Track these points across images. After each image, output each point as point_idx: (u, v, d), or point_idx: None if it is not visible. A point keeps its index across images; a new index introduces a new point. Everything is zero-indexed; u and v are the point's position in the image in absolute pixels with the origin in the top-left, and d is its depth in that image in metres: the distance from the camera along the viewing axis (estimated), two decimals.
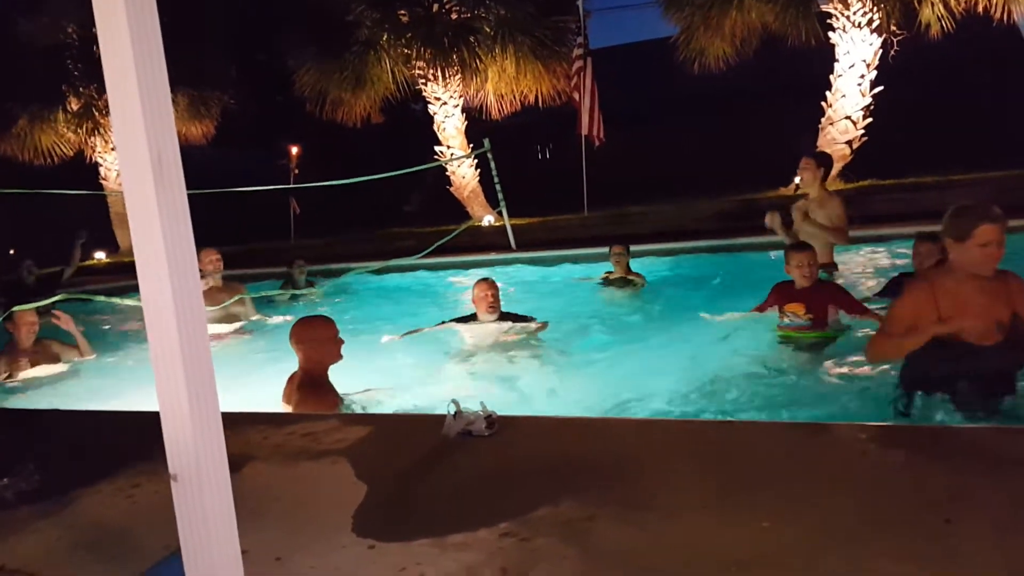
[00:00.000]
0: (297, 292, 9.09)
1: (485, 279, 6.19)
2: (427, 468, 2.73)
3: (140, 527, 2.47)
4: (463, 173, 14.39)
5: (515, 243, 10.60)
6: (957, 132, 10.97)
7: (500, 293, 6.09)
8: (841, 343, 4.85)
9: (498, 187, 10.96)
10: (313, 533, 2.31)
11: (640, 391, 4.53)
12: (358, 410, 3.96)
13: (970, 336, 3.06)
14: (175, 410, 1.78)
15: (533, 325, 6.15)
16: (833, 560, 1.88)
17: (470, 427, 2.92)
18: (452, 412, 2.98)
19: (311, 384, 3.86)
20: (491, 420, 2.94)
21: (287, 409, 3.89)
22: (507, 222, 10.85)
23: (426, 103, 14.66)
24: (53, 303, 6.62)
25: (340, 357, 3.98)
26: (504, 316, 6.10)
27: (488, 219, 13.09)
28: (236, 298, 7.27)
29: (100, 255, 14.32)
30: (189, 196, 1.75)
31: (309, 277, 10.24)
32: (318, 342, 3.93)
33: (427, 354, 5.95)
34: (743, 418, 3.86)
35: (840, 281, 6.49)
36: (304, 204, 15.78)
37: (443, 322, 6.24)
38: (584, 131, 13.00)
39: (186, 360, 1.76)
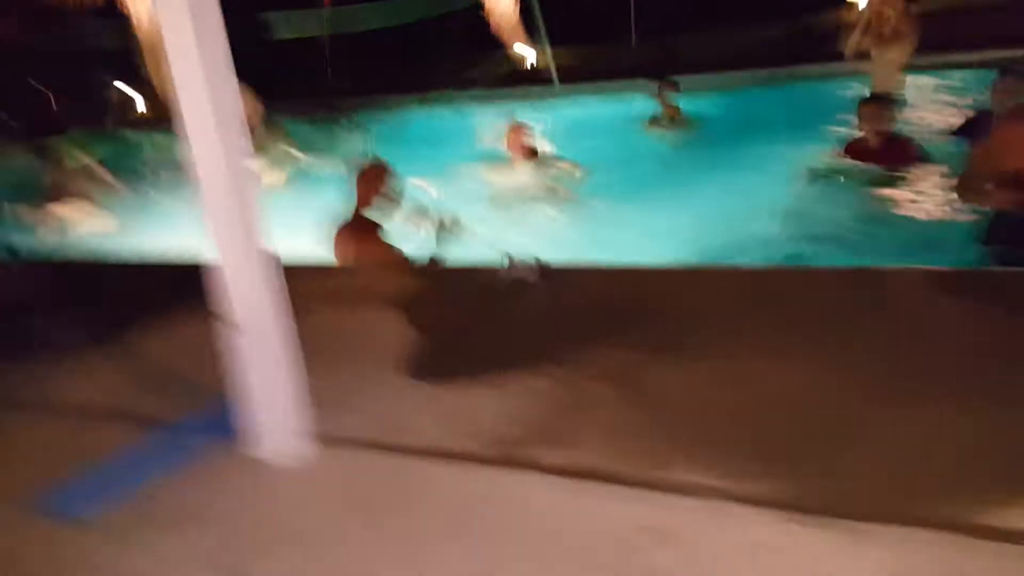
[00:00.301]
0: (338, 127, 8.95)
1: (518, 123, 6.03)
2: (482, 317, 2.80)
3: (193, 370, 2.58)
4: (503, 5, 13.68)
5: (558, 79, 10.22)
6: None
7: (539, 133, 5.95)
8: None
9: (538, 14, 10.44)
10: (372, 377, 2.42)
11: (697, 239, 4.49)
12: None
13: None
14: (233, 260, 1.83)
15: (569, 167, 6.02)
16: (885, 402, 1.91)
17: (523, 276, 2.96)
18: (506, 264, 3.01)
19: (362, 228, 3.86)
20: (543, 269, 2.96)
21: (338, 256, 3.93)
22: (549, 58, 10.41)
23: None
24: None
25: (382, 196, 3.93)
26: (542, 159, 5.97)
27: (529, 54, 12.56)
28: (277, 142, 7.23)
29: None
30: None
31: (352, 118, 10.07)
32: (366, 183, 3.91)
33: (463, 199, 5.91)
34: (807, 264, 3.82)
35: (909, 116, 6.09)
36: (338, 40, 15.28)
37: (479, 163, 6.13)
38: None
39: (239, 208, 1.78)
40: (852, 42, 6.28)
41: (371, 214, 3.93)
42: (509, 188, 5.92)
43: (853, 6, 10.28)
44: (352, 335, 2.78)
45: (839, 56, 8.30)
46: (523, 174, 5.89)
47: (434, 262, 3.64)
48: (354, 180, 3.95)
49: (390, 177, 3.95)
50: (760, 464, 1.73)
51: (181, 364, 2.67)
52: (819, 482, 1.66)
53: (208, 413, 2.20)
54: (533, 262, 2.96)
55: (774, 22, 10.08)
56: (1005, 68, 4.71)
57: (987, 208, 3.16)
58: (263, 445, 1.99)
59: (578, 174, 5.95)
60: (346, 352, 2.62)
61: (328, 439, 2.06)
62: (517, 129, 5.94)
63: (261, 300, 1.87)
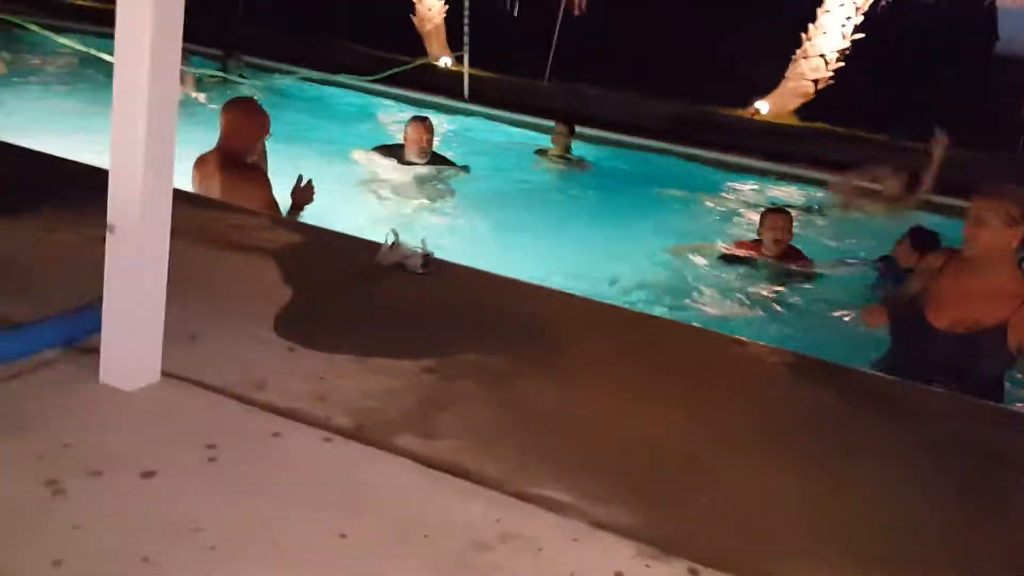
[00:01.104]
0: (228, 78, 8.58)
1: (423, 119, 5.95)
2: (356, 290, 2.69)
3: (51, 271, 2.35)
4: (430, 4, 13.63)
5: (468, 93, 10.24)
6: (922, 98, 11.09)
7: (433, 137, 5.90)
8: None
9: (466, 29, 10.45)
10: (232, 322, 2.26)
11: (568, 269, 4.58)
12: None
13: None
14: (128, 160, 1.65)
15: (458, 170, 6.02)
16: (733, 456, 1.97)
17: (406, 260, 2.86)
18: (390, 242, 2.91)
19: (233, 164, 3.66)
20: (428, 258, 2.88)
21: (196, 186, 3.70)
22: (466, 69, 10.43)
23: None
24: None
25: (257, 141, 3.79)
26: (434, 158, 5.92)
27: (446, 61, 12.54)
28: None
29: None
30: None
31: (244, 71, 9.69)
32: (251, 122, 3.75)
33: (349, 181, 5.78)
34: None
35: None
36: None
37: (370, 149, 5.99)
38: None
39: (151, 111, 1.62)
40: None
41: (240, 145, 3.73)
42: (397, 179, 5.82)
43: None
44: (219, 275, 2.59)
45: (735, 150, 8.91)
46: (414, 168, 5.81)
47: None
48: (226, 113, 3.76)
49: (264, 121, 3.79)
50: (620, 493, 1.73)
51: (52, 266, 2.40)
52: (672, 521, 1.68)
53: (65, 319, 1.96)
54: (419, 248, 2.88)
55: (681, 101, 10.63)
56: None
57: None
58: (117, 364, 1.79)
59: (457, 173, 5.94)
60: (211, 292, 2.43)
61: (179, 376, 1.89)
62: (418, 124, 5.85)
63: (146, 202, 1.69)
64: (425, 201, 5.75)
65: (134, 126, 1.62)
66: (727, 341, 2.93)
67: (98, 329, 1.78)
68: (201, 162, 3.75)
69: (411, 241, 2.97)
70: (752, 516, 1.75)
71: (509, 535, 1.52)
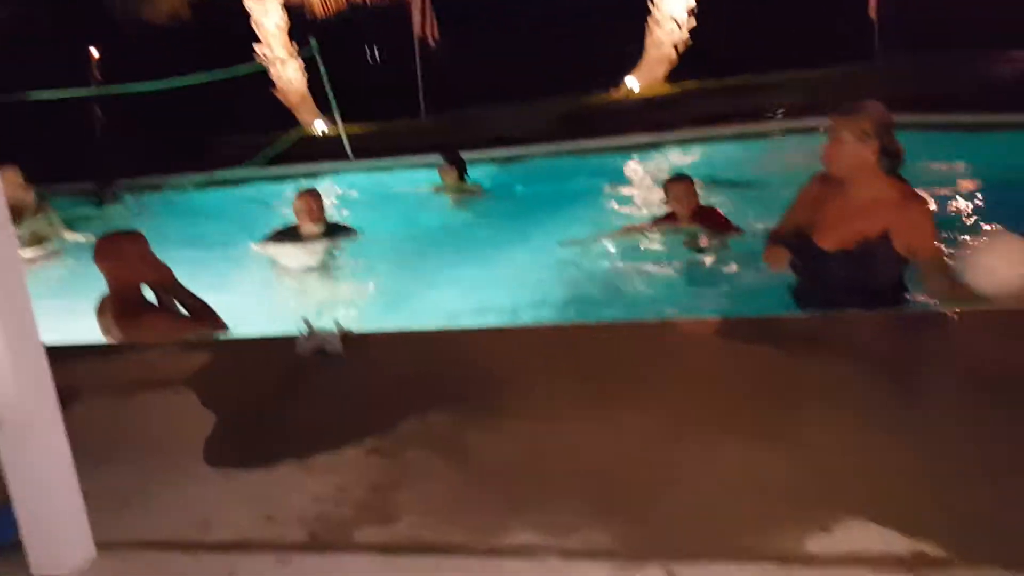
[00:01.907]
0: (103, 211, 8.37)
1: (308, 190, 5.92)
2: (282, 391, 2.62)
3: None
4: (289, 76, 13.52)
5: (351, 151, 10.20)
6: (776, 29, 11.48)
7: (324, 205, 5.84)
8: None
9: (330, 92, 10.42)
10: (163, 469, 2.17)
11: (490, 301, 4.58)
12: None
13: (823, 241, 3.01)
14: None
15: (354, 236, 5.99)
16: (691, 446, 1.99)
17: (324, 345, 2.82)
18: (304, 332, 2.86)
19: (127, 309, 3.53)
20: (345, 336, 2.84)
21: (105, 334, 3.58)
22: (341, 129, 10.39)
23: None
24: None
25: (154, 276, 3.61)
26: (329, 228, 5.87)
27: (321, 127, 12.48)
28: (40, 217, 6.64)
29: None
30: None
31: (122, 195, 9.47)
32: (124, 259, 3.55)
33: (256, 278, 5.68)
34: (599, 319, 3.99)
35: None
36: (111, 113, 14.35)
37: (265, 239, 5.90)
38: (417, 30, 12.55)
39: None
40: None
41: (127, 288, 3.58)
42: (300, 260, 5.74)
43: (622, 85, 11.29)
44: (136, 424, 2.50)
45: (616, 131, 9.09)
46: (313, 244, 5.74)
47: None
48: (98, 262, 3.59)
49: (135, 249, 3.62)
50: (584, 517, 1.72)
51: None
52: (640, 528, 1.68)
53: None
54: (335, 330, 2.84)
55: (556, 100, 10.80)
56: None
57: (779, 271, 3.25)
58: (40, 558, 1.70)
59: (362, 239, 5.90)
60: (133, 442, 2.35)
61: (117, 544, 1.81)
62: (304, 195, 5.80)
63: (25, 392, 1.62)
64: (334, 274, 5.69)
65: None
66: (657, 328, 2.98)
67: (16, 526, 1.70)
68: (100, 311, 3.63)
69: (326, 324, 2.93)
70: (717, 500, 1.76)
71: None
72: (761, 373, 2.36)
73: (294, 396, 2.57)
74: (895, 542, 1.55)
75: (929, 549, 1.52)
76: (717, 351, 2.58)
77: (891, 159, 2.92)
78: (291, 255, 5.72)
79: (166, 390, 2.69)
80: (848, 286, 2.97)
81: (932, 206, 2.98)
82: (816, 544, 1.57)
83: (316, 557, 1.71)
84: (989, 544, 1.53)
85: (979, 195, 5.89)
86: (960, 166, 6.51)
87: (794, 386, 2.25)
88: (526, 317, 4.38)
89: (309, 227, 5.71)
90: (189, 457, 2.20)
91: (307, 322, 2.88)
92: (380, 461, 2.07)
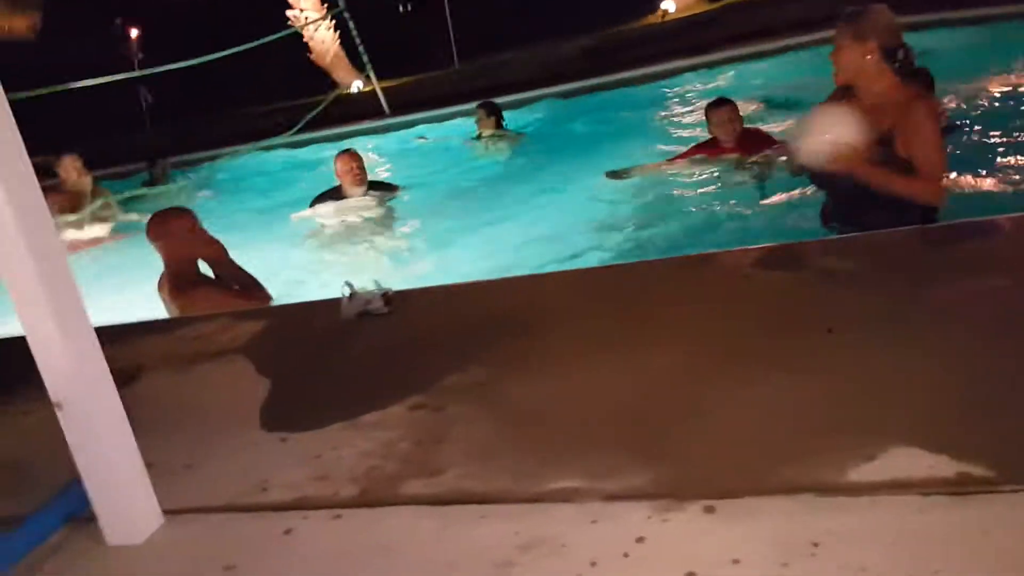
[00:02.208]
0: (155, 190, 8.57)
1: (347, 151, 5.96)
2: (329, 354, 2.70)
3: (37, 457, 2.37)
4: (322, 37, 13.54)
5: (388, 107, 10.20)
6: None
7: (366, 164, 5.89)
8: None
9: (361, 49, 10.39)
10: (220, 435, 2.27)
11: (532, 248, 4.57)
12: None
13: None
14: (44, 336, 1.66)
15: (397, 191, 6.02)
16: (730, 378, 1.99)
17: (367, 307, 2.87)
18: (347, 294, 2.92)
19: (180, 284, 3.66)
20: (388, 297, 2.89)
21: (170, 310, 3.72)
22: (376, 85, 10.38)
23: None
24: None
25: (205, 251, 3.73)
26: (372, 185, 5.92)
27: (357, 85, 12.47)
28: (100, 201, 6.87)
29: None
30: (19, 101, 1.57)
31: (172, 173, 9.67)
32: (175, 236, 3.68)
33: (301, 243, 5.77)
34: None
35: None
36: (155, 91, 14.60)
37: (311, 204, 5.99)
38: None
39: (46, 283, 1.62)
40: None
41: (183, 264, 3.70)
42: (343, 222, 5.80)
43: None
44: (195, 392, 2.61)
45: (651, 60, 8.83)
46: (356, 204, 5.80)
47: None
48: (151, 240, 3.72)
49: (186, 224, 3.74)
50: (623, 459, 1.74)
51: (23, 453, 2.41)
52: (679, 467, 1.70)
53: (52, 501, 1.98)
54: (377, 290, 2.89)
55: (590, 34, 10.56)
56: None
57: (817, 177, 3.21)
58: (112, 528, 1.81)
59: (404, 195, 5.94)
60: (192, 412, 2.45)
61: (184, 510, 1.91)
62: (343, 156, 5.84)
63: (80, 374, 1.71)
64: (379, 232, 5.74)
65: (34, 302, 1.63)
66: (695, 262, 2.95)
67: (87, 499, 1.80)
68: (159, 287, 3.77)
69: (368, 285, 2.99)
70: (753, 434, 1.76)
71: (530, 543, 1.54)
72: (796, 302, 2.33)
73: (341, 358, 2.64)
74: (940, 465, 1.53)
75: (975, 470, 1.50)
76: (752, 281, 2.55)
77: (895, 60, 2.81)
78: (334, 215, 5.80)
79: (221, 360, 2.79)
80: (865, 197, 2.88)
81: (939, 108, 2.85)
82: (858, 473, 1.56)
83: (367, 511, 1.78)
84: None
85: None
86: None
87: (829, 313, 2.21)
88: (583, 260, 4.35)
89: (352, 188, 5.78)
90: (246, 423, 2.29)
91: (349, 285, 2.94)
92: (424, 415, 2.12)
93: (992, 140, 4.72)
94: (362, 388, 2.37)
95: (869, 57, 2.84)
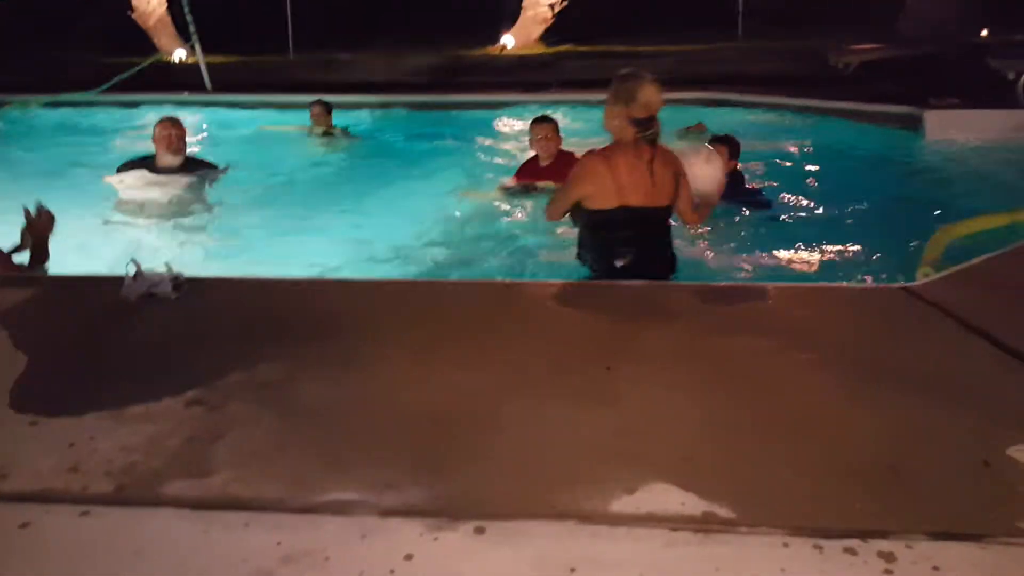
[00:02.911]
0: None
1: (169, 117, 5.50)
2: (102, 335, 2.49)
3: None
4: None
5: (211, 83, 9.66)
6: (647, 2, 11.74)
7: (185, 136, 5.49)
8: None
9: (189, 17, 9.79)
10: None
11: (347, 252, 4.48)
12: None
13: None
14: None
15: (219, 172, 5.68)
16: (516, 404, 2.05)
17: (154, 289, 2.69)
18: (132, 273, 2.71)
19: None
20: (178, 281, 2.72)
21: None
22: (201, 58, 9.81)
23: None
24: None
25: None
26: (189, 162, 5.54)
27: (180, 53, 11.73)
28: None
29: None
30: None
31: None
32: None
33: (95, 205, 5.30)
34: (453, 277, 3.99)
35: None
36: None
37: (117, 170, 5.50)
38: None
39: None
40: None
41: None
42: (152, 195, 5.38)
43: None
44: None
45: (488, 88, 9.02)
46: (169, 178, 5.39)
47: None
48: None
49: None
50: (404, 473, 1.74)
51: None
52: (456, 485, 1.71)
53: None
54: (166, 273, 2.71)
55: (431, 51, 10.61)
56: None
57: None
58: None
59: (219, 173, 5.61)
60: None
61: None
62: (165, 123, 5.41)
63: None
64: (189, 212, 5.36)
65: None
66: (501, 288, 3.02)
67: None
68: None
69: (158, 267, 2.79)
70: (531, 458, 1.82)
71: (292, 555, 1.49)
72: (591, 335, 2.45)
73: (117, 341, 2.44)
74: (690, 503, 1.65)
75: (719, 510, 1.63)
76: (551, 312, 2.65)
77: (646, 128, 3.08)
78: (144, 187, 5.34)
79: None
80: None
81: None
82: (619, 503, 1.65)
83: (120, 510, 1.65)
84: (772, 507, 1.66)
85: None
86: None
87: (619, 349, 2.35)
88: (386, 268, 4.32)
89: (168, 158, 5.33)
90: None
91: (136, 263, 2.73)
92: (200, 412, 2.01)
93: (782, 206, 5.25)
94: (134, 376, 2.21)
95: (616, 122, 3.10)
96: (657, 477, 1.73)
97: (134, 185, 5.34)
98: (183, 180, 5.39)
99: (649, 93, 3.04)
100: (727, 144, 4.87)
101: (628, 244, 3.17)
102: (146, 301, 2.64)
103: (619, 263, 3.17)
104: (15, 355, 2.32)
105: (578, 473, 1.76)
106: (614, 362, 2.27)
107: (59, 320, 2.63)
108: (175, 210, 5.30)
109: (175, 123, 5.43)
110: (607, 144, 3.18)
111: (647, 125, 3.06)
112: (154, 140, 5.36)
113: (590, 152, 3.21)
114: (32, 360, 2.29)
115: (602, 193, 3.09)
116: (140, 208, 5.31)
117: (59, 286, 2.96)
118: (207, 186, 5.55)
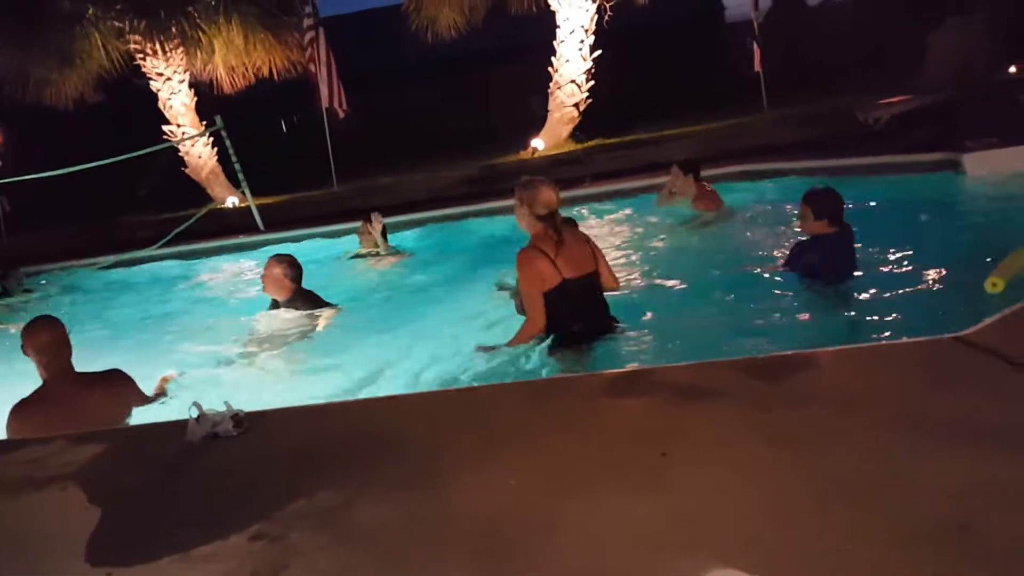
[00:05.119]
0: (10, 301, 8.08)
1: (276, 255, 5.41)
2: (169, 479, 2.58)
3: None
4: (198, 152, 13.47)
5: (263, 224, 10.14)
6: (668, 89, 12.08)
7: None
8: None
9: (237, 165, 10.39)
10: (42, 569, 2.11)
11: (400, 368, 4.53)
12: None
13: None
14: None
15: (330, 311, 5.46)
16: (571, 503, 2.04)
17: (216, 428, 2.79)
18: (194, 415, 2.83)
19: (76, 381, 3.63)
20: (238, 418, 2.82)
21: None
22: (251, 202, 10.34)
23: (148, 79, 13.48)
24: None
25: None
26: (301, 296, 5.37)
27: (232, 200, 12.39)
28: None
29: None
30: None
31: (28, 283, 9.16)
32: (48, 346, 3.60)
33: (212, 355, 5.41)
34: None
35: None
36: (15, 199, 13.96)
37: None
38: (325, 103, 12.66)
39: None
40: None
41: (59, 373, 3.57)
42: (267, 331, 5.40)
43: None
44: (18, 522, 2.41)
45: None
46: (284, 315, 5.43)
47: None
48: (30, 341, 3.59)
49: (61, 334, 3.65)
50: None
51: None
52: None
53: None
54: (227, 411, 2.81)
55: (465, 164, 11.02)
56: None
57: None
58: None
59: (331, 313, 5.44)
60: (13, 545, 2.27)
61: None
62: (273, 263, 5.30)
63: None
64: (286, 342, 5.35)
65: None
66: (543, 386, 3.03)
67: None
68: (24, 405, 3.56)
69: (218, 406, 2.90)
70: (594, 552, 1.80)
71: None
72: (637, 423, 2.45)
73: (182, 484, 2.52)
74: None
75: None
76: (594, 404, 2.66)
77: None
78: (267, 326, 5.41)
79: (51, 487, 2.61)
80: None
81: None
82: None
83: None
84: None
85: None
86: None
87: (667, 435, 2.33)
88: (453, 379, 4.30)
89: (282, 296, 5.30)
90: (69, 557, 2.13)
91: (198, 405, 2.85)
92: (263, 545, 2.05)
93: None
94: (201, 516, 2.27)
95: (524, 221, 3.72)
96: (721, 562, 1.70)
97: (261, 324, 5.41)
98: (293, 317, 5.33)
99: (546, 194, 3.66)
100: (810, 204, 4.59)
101: (578, 310, 3.69)
102: (210, 441, 2.73)
103: (575, 327, 3.68)
104: (88, 508, 2.41)
105: (642, 562, 1.74)
106: (668, 447, 2.26)
107: (130, 469, 2.73)
108: (289, 344, 5.25)
109: (287, 260, 5.33)
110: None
111: (550, 219, 3.66)
112: (264, 278, 5.32)
113: (521, 252, 3.72)
114: (105, 511, 2.37)
115: (549, 274, 3.62)
116: (256, 344, 5.29)
117: (129, 436, 3.09)
118: (317, 320, 5.50)
